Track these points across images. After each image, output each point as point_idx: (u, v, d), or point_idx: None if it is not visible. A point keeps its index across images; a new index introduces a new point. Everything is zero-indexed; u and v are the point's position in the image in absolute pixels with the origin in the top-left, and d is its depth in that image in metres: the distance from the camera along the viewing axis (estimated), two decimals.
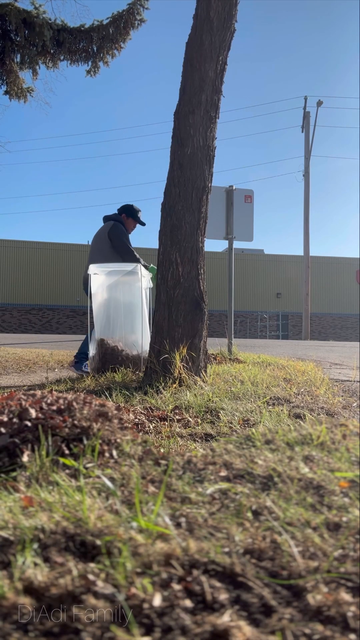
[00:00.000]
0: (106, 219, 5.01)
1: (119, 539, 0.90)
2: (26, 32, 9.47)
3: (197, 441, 1.89)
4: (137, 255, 4.66)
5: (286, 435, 1.65)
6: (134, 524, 0.96)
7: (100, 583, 0.78)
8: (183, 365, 3.13)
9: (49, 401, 1.72)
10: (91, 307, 4.46)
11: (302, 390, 3.05)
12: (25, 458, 1.37)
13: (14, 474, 1.31)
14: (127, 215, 4.94)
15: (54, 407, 1.66)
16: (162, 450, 1.48)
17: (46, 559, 0.85)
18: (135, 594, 0.75)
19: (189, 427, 2.13)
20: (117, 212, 5.03)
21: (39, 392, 1.90)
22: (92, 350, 4.31)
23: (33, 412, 1.58)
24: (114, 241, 4.69)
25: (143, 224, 5.03)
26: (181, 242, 3.30)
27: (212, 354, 5.43)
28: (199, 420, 2.24)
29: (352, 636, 0.68)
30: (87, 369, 4.48)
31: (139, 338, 4.21)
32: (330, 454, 1.45)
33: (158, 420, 2.19)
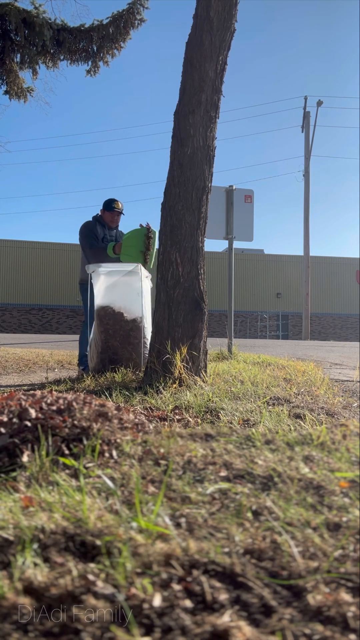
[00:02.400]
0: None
1: (119, 539, 0.90)
2: (26, 31, 9.45)
3: (197, 441, 1.89)
4: (101, 244, 4.73)
5: (286, 436, 1.65)
6: (134, 524, 0.96)
7: (100, 583, 0.78)
8: (183, 365, 3.13)
9: (48, 401, 1.72)
10: (91, 304, 4.48)
11: (302, 390, 3.05)
12: (25, 458, 1.37)
13: (14, 474, 1.31)
14: (104, 210, 4.97)
15: (54, 407, 1.66)
16: (162, 450, 1.48)
17: (46, 559, 0.85)
18: (135, 594, 0.75)
19: (189, 427, 2.13)
20: None
21: (39, 392, 1.90)
22: (89, 346, 4.32)
23: (33, 412, 1.58)
24: (80, 240, 4.88)
25: (120, 212, 4.99)
26: (181, 242, 3.30)
27: (212, 354, 5.43)
28: (199, 420, 2.24)
29: (352, 636, 0.68)
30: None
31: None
32: (330, 454, 1.45)
33: (158, 420, 2.19)
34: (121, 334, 4.16)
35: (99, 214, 5.01)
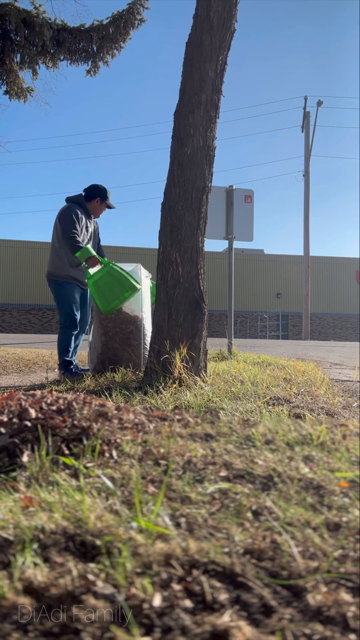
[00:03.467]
0: (67, 200, 4.32)
1: (119, 539, 0.90)
2: (26, 31, 9.45)
3: (197, 441, 1.89)
4: (80, 243, 4.03)
5: (286, 435, 1.65)
6: (134, 524, 0.96)
7: (100, 583, 0.78)
8: (183, 365, 3.13)
9: (48, 401, 1.72)
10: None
11: (302, 390, 3.05)
12: (25, 458, 1.37)
13: (14, 474, 1.31)
14: (96, 196, 4.32)
15: (54, 407, 1.66)
16: (162, 450, 1.48)
17: (46, 559, 0.85)
18: (135, 594, 0.75)
19: (189, 427, 2.13)
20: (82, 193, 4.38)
21: (39, 392, 1.90)
22: (91, 348, 4.30)
23: (33, 412, 1.58)
24: (61, 225, 4.14)
25: (111, 206, 4.44)
26: (181, 242, 3.30)
27: (212, 354, 5.42)
28: (199, 420, 2.24)
29: (352, 636, 0.68)
30: (79, 369, 4.37)
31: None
32: (330, 454, 1.45)
33: (158, 420, 2.19)
34: (121, 336, 4.15)
35: (81, 197, 4.32)
